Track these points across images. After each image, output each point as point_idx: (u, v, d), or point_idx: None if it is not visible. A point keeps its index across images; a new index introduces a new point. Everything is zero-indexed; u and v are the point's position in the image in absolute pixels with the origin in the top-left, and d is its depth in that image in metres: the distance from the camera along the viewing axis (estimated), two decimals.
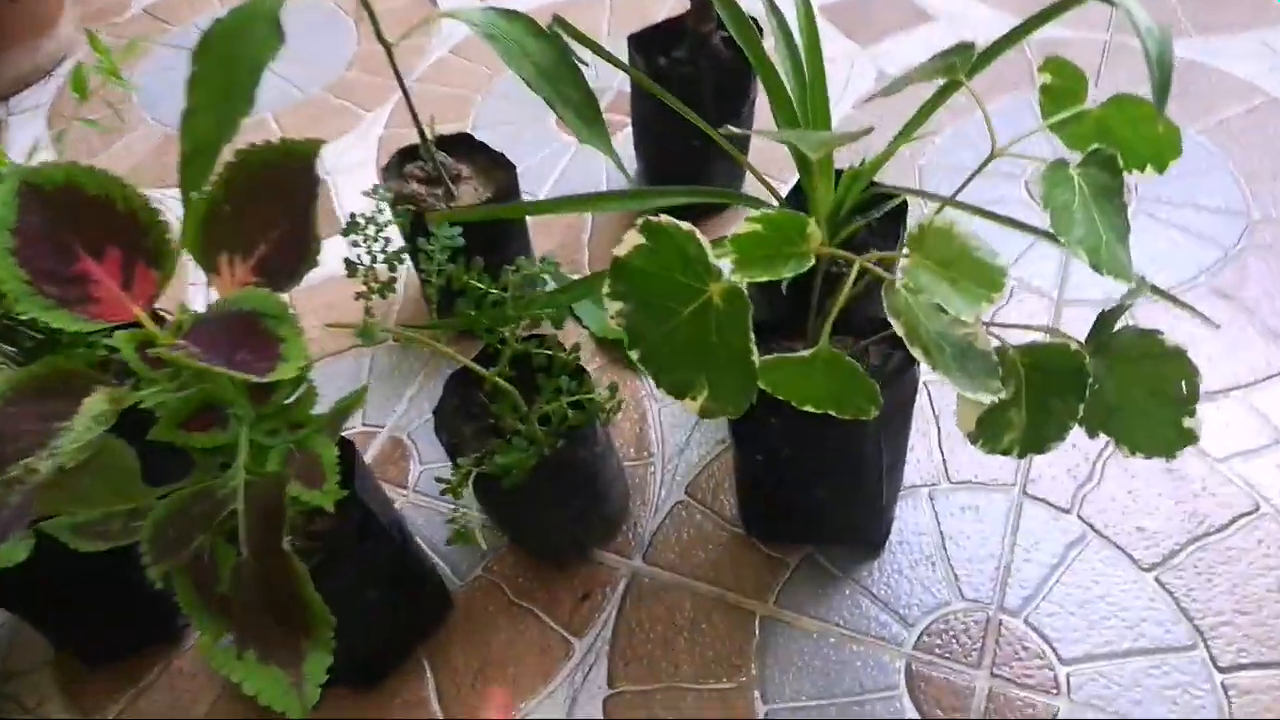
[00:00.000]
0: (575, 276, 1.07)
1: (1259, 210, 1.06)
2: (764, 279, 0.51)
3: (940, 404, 0.92)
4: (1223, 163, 1.12)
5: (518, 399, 0.72)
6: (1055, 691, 0.73)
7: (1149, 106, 0.57)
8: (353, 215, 0.74)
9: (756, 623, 0.78)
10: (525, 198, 1.17)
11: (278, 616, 0.53)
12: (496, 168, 0.98)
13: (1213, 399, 0.90)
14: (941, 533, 0.82)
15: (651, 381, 0.53)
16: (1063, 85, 0.61)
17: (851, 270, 0.52)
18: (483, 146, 0.99)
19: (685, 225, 0.51)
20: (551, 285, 0.72)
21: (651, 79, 1.08)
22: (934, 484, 0.86)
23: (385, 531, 0.73)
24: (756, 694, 0.74)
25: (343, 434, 0.94)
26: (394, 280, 0.73)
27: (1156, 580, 0.78)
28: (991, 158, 0.60)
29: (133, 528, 0.59)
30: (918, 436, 0.89)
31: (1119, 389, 0.60)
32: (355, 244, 0.74)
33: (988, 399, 0.50)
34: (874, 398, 0.50)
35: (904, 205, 0.81)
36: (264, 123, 1.35)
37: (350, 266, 0.73)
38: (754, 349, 0.50)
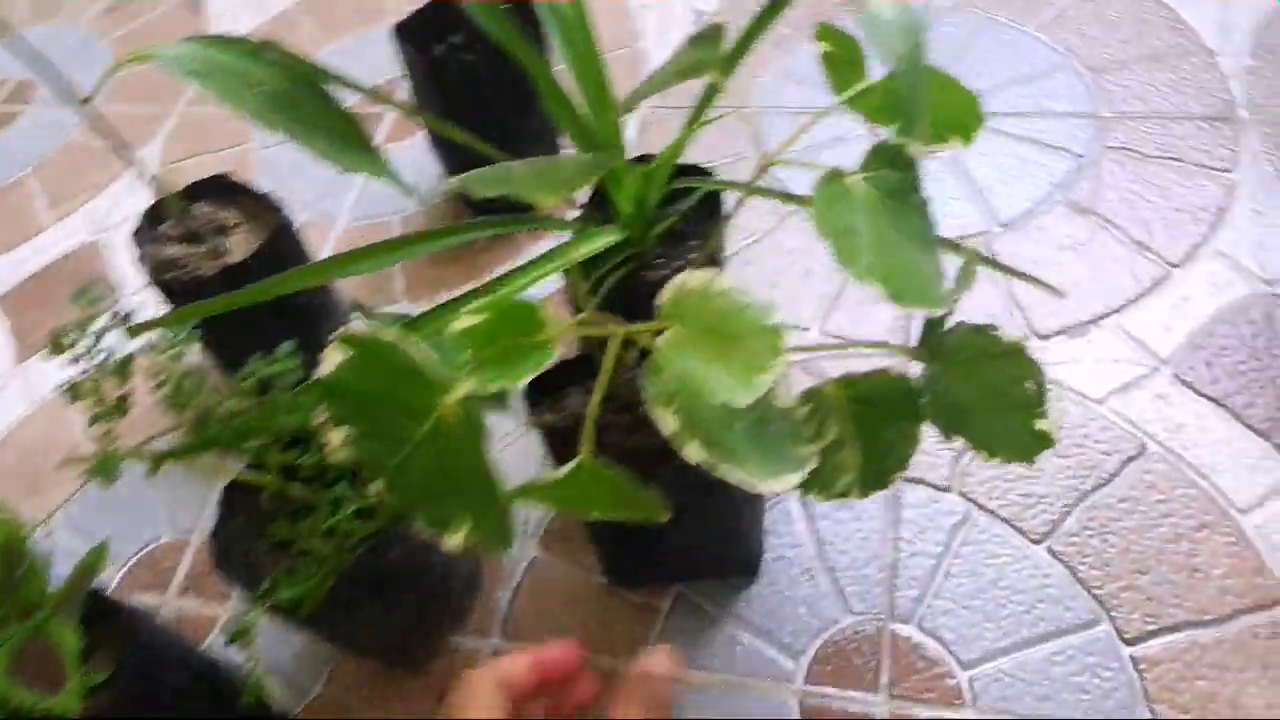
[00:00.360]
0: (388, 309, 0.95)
1: (1108, 106, 0.99)
2: (502, 384, 0.41)
3: None
4: (1066, 60, 1.04)
5: (308, 503, 0.62)
6: (960, 702, 0.67)
7: (940, 73, 0.48)
8: (56, 331, 0.61)
9: None
10: (320, 227, 1.04)
11: None
12: (266, 210, 0.85)
13: (1083, 331, 0.83)
14: (819, 540, 0.75)
15: None
16: (841, 54, 0.51)
17: (612, 343, 0.43)
18: (244, 188, 0.86)
19: (389, 335, 0.40)
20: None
21: (427, 71, 0.96)
22: None
23: (181, 687, 0.63)
24: None
25: (140, 556, 0.82)
26: (125, 399, 0.61)
27: (1049, 551, 0.72)
28: (764, 166, 0.50)
29: None
30: None
31: (962, 392, 0.52)
32: (75, 360, 0.62)
33: (795, 479, 0.42)
34: (653, 507, 0.40)
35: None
36: (22, 182, 1.18)
37: (71, 389, 0.61)
38: (493, 477, 0.40)
